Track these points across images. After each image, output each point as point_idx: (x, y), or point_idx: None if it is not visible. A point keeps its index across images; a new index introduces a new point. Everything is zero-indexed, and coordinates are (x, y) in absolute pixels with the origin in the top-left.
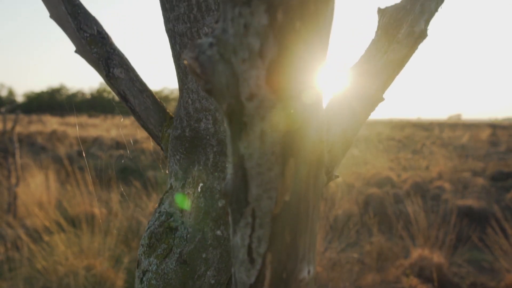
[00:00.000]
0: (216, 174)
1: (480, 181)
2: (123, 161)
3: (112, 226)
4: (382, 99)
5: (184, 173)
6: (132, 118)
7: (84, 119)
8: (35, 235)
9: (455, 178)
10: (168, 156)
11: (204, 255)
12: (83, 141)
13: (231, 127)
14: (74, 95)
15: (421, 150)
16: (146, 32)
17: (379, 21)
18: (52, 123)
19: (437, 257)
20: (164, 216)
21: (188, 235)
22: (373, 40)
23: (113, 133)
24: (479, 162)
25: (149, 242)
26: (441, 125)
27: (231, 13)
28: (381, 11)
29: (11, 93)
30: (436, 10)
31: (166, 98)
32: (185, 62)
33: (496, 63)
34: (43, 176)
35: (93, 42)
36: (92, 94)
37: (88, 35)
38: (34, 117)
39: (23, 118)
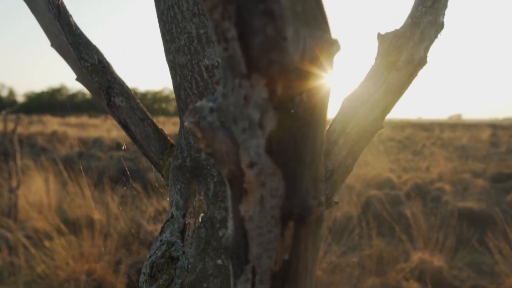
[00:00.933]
0: (217, 204)
1: (481, 182)
2: (123, 162)
3: (112, 229)
4: (382, 127)
5: (185, 203)
6: None
7: (84, 119)
8: (36, 239)
9: (456, 179)
10: (169, 185)
11: (205, 285)
12: (83, 142)
13: (231, 190)
14: (74, 95)
15: (422, 151)
16: (146, 32)
17: (378, 47)
18: (52, 123)
19: (437, 261)
20: (165, 245)
21: (189, 266)
22: (372, 66)
23: (114, 133)
24: (480, 163)
25: (150, 271)
26: (442, 125)
27: (232, 82)
28: (380, 37)
29: (11, 93)
30: (435, 37)
31: (167, 98)
32: (185, 124)
33: (496, 62)
34: (43, 178)
35: (94, 72)
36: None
37: (89, 64)
38: (35, 117)
39: (24, 118)
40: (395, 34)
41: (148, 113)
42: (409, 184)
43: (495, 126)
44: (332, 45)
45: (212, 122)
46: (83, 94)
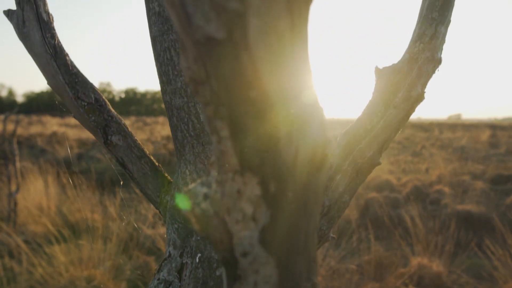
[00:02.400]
0: None
1: (480, 184)
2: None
3: (112, 233)
4: (379, 163)
5: (183, 242)
6: (132, 119)
7: None
8: (35, 244)
9: (455, 181)
10: (166, 223)
11: None
12: (82, 143)
13: (226, 274)
14: None
15: (421, 152)
16: (147, 32)
17: (376, 83)
18: (52, 124)
19: (436, 266)
20: (163, 284)
21: None
22: (369, 102)
23: None
24: (479, 164)
25: None
26: (441, 126)
27: (225, 174)
28: (378, 72)
29: (11, 93)
30: (433, 72)
31: None
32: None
33: (496, 62)
34: (42, 181)
35: (91, 110)
36: None
37: (85, 103)
38: (34, 117)
39: (23, 119)
40: (393, 69)
41: (145, 151)
42: (408, 186)
43: (494, 127)
44: (326, 147)
45: (206, 210)
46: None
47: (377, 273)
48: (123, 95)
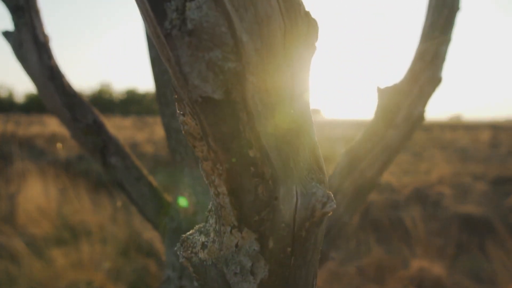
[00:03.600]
0: None
1: (481, 186)
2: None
3: (111, 235)
4: (379, 184)
5: (182, 265)
6: (132, 119)
7: None
8: (35, 246)
9: (456, 182)
10: (165, 246)
11: None
12: None
13: None
14: None
15: (422, 152)
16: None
17: (378, 102)
18: (52, 124)
19: (437, 268)
20: None
21: None
22: (370, 121)
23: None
24: (480, 165)
25: None
26: (442, 126)
27: (223, 226)
28: (379, 91)
29: (11, 94)
30: (434, 91)
31: None
32: (181, 259)
33: (497, 63)
34: (42, 182)
35: (88, 132)
36: (92, 94)
37: (83, 125)
38: (34, 118)
39: (23, 119)
40: (394, 89)
41: (143, 172)
42: (409, 188)
43: (495, 127)
44: (326, 203)
45: (204, 260)
46: (82, 95)
47: (378, 276)
48: (123, 96)
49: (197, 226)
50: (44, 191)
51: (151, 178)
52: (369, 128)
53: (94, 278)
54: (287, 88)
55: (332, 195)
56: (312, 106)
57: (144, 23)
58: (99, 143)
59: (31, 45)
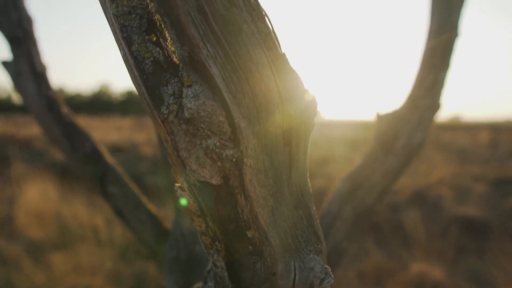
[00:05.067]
0: None
1: (480, 187)
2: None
3: (111, 238)
4: (378, 211)
5: None
6: (131, 119)
7: (83, 120)
8: (33, 250)
9: (455, 184)
10: (164, 273)
11: None
12: None
13: None
14: (73, 98)
15: (421, 153)
16: None
17: (377, 128)
18: None
19: (437, 271)
20: None
21: None
22: (370, 148)
23: (113, 136)
24: (479, 167)
25: None
26: (442, 127)
27: None
28: (379, 118)
29: (10, 94)
30: (433, 118)
31: None
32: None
33: (497, 63)
34: (41, 184)
35: (87, 161)
36: (92, 95)
37: (82, 154)
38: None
39: (22, 120)
40: (393, 116)
41: (142, 199)
42: (408, 189)
43: (495, 128)
44: (324, 279)
45: None
46: (81, 96)
47: (377, 279)
48: (123, 96)
49: (195, 286)
50: (43, 193)
51: (150, 205)
52: (368, 154)
53: (94, 283)
54: (285, 167)
55: (330, 270)
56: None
57: (143, 104)
58: (98, 172)
59: (29, 76)
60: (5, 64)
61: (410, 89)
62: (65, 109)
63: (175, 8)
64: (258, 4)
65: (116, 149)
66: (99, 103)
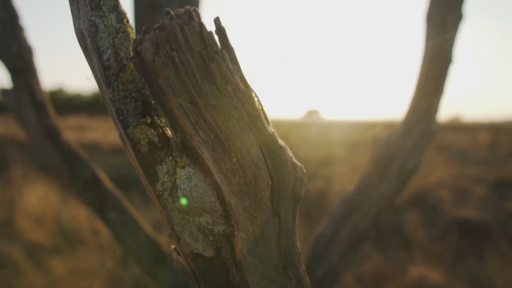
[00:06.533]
0: None
1: (480, 189)
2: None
3: (111, 241)
4: (370, 236)
5: None
6: None
7: (84, 121)
8: (33, 253)
9: (455, 186)
10: None
11: None
12: (83, 147)
13: None
14: (73, 98)
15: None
16: None
17: (372, 153)
18: None
19: (436, 275)
20: None
21: None
22: (364, 173)
23: (113, 136)
24: (479, 168)
25: None
26: (441, 128)
27: None
28: (374, 142)
29: None
30: (427, 144)
31: None
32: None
33: (498, 63)
34: (41, 187)
35: (87, 188)
36: (92, 95)
37: (81, 182)
38: None
39: None
40: (388, 141)
41: (141, 224)
42: (408, 191)
43: (495, 128)
44: None
45: None
46: (81, 96)
47: (376, 283)
48: None
49: None
50: (43, 196)
51: (148, 229)
52: (363, 180)
53: (93, 286)
54: (274, 234)
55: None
56: (311, 107)
57: (140, 177)
58: (98, 198)
59: (29, 105)
60: (5, 92)
61: (404, 114)
62: (65, 136)
63: (168, 102)
64: (247, 90)
65: (115, 150)
66: (99, 103)
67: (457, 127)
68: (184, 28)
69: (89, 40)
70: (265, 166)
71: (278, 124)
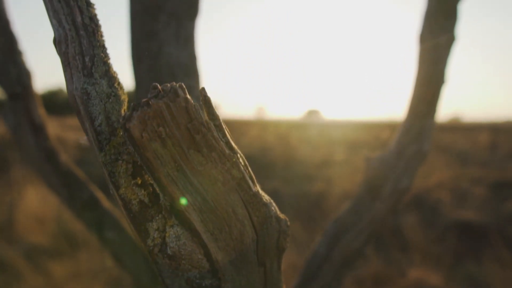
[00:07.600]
0: None
1: (480, 190)
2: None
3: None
4: (364, 254)
5: None
6: None
7: None
8: (33, 256)
9: (454, 187)
10: None
11: None
12: (83, 147)
13: None
14: None
15: None
16: None
17: (365, 173)
18: (53, 127)
19: (435, 278)
20: None
21: None
22: (358, 192)
23: None
24: (479, 169)
25: None
26: (441, 128)
27: None
28: (367, 161)
29: None
30: (419, 165)
31: None
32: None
33: (497, 63)
34: (42, 189)
35: (85, 208)
36: None
37: (80, 202)
38: None
39: None
40: (381, 161)
41: (138, 245)
42: (407, 193)
43: (495, 129)
44: None
45: None
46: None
47: (375, 286)
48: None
49: None
50: (43, 198)
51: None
52: (356, 199)
53: None
54: (260, 283)
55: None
56: (311, 106)
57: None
58: (96, 218)
59: (28, 128)
60: (4, 116)
61: (397, 135)
62: (63, 157)
63: (156, 171)
64: (232, 155)
65: None
66: None
67: (457, 127)
68: (169, 105)
69: (82, 107)
70: (250, 223)
71: (278, 124)
